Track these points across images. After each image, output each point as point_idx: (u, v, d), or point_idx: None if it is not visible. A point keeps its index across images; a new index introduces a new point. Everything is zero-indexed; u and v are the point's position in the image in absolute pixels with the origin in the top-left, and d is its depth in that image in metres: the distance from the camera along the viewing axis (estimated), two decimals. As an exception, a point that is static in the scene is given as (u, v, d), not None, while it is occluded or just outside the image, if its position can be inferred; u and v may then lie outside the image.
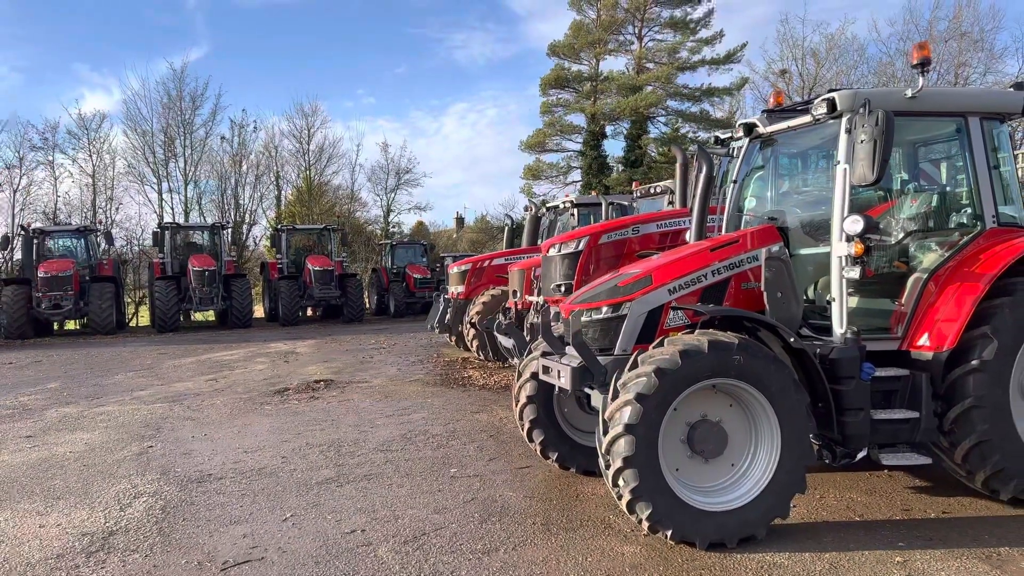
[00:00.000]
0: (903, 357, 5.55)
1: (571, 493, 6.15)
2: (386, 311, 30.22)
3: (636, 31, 39.12)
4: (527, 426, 6.51)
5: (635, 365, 4.94)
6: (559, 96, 40.12)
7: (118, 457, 7.85)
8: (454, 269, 15.92)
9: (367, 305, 30.85)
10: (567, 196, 17.42)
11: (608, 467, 4.87)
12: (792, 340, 5.14)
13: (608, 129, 38.96)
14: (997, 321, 5.28)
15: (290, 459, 7.54)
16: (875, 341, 5.52)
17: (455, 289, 15.50)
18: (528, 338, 9.58)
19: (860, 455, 5.30)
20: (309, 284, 26.73)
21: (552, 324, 6.38)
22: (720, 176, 7.09)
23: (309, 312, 29.84)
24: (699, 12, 38.24)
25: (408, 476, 6.78)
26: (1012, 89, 6.02)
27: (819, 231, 6.17)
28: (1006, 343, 5.26)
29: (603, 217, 13.00)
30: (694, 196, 6.82)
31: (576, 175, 39.93)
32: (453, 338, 16.24)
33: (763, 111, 6.63)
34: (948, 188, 6.31)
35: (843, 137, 5.41)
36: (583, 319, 5.67)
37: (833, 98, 5.50)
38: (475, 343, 14.03)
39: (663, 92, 37.48)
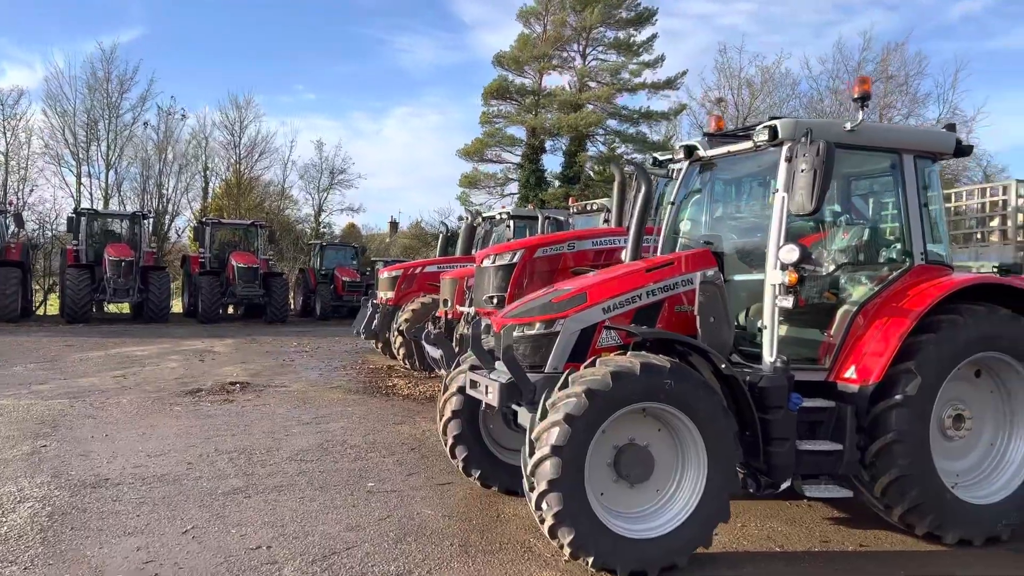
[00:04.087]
0: (829, 388, 5.56)
1: (492, 513, 5.95)
2: (311, 313, 29.54)
3: (580, 49, 39.53)
4: (450, 442, 6.28)
5: (566, 385, 4.79)
6: (501, 107, 40.15)
7: (6, 456, 7.26)
8: (384, 274, 15.58)
9: (292, 306, 30.07)
10: (503, 207, 17.29)
11: (532, 489, 4.70)
12: (723, 366, 5.08)
13: (547, 144, 39.16)
14: (921, 357, 5.33)
15: (196, 466, 7.11)
16: (803, 371, 5.52)
17: (384, 295, 15.15)
18: (457, 350, 9.36)
19: (784, 485, 5.26)
20: (232, 281, 25.85)
21: (482, 337, 6.17)
22: (656, 197, 7.05)
23: (230, 310, 28.87)
24: (643, 36, 38.94)
25: (322, 489, 6.46)
26: (944, 130, 6.15)
27: (753, 258, 6.17)
28: (929, 379, 5.32)
29: (539, 231, 12.90)
30: (631, 215, 6.75)
31: (513, 187, 40.00)
32: (379, 345, 15.87)
33: (704, 134, 6.61)
34: (879, 223, 6.40)
35: (783, 165, 5.40)
36: (515, 334, 5.49)
37: (775, 125, 5.50)
38: (402, 351, 13.71)
39: (603, 112, 37.91)
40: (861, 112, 5.50)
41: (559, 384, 4.85)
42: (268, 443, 8.11)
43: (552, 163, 39.91)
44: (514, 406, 5.43)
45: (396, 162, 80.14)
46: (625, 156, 37.52)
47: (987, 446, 5.86)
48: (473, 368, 6.02)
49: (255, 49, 68.66)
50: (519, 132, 39.53)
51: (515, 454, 6.32)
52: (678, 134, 38.27)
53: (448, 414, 6.29)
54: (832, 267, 6.05)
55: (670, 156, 7.53)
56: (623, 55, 38.83)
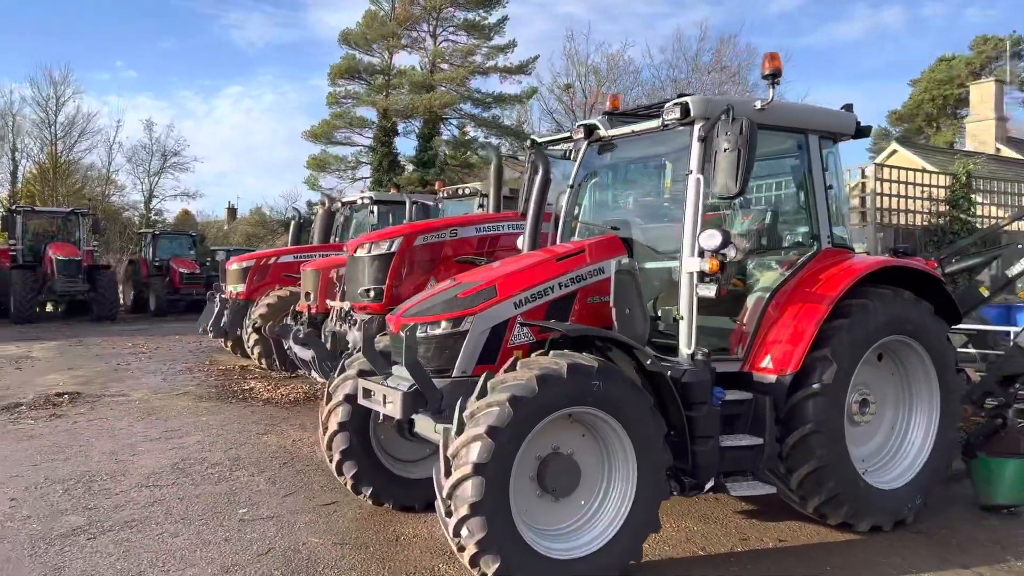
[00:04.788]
0: (743, 379, 5.33)
1: (389, 536, 5.28)
2: (145, 308, 27.03)
3: (431, 29, 38.52)
4: (337, 457, 5.53)
5: (485, 391, 4.22)
6: (349, 87, 38.51)
7: None
8: (233, 265, 14.15)
9: (122, 302, 27.35)
10: (363, 191, 16.31)
11: (449, 514, 4.10)
12: (649, 362, 4.69)
13: (400, 126, 38.00)
14: (835, 343, 5.20)
15: (22, 502, 5.93)
16: (716, 362, 5.24)
17: (234, 288, 13.76)
18: (329, 348, 8.56)
19: (709, 485, 4.96)
20: (50, 276, 23.02)
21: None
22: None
23: (49, 308, 25.81)
24: (493, 19, 38.48)
25: (184, 521, 5.52)
26: (844, 111, 6.07)
27: (659, 244, 5.86)
28: (844, 366, 5.21)
29: (406, 216, 12.12)
30: (528, 201, 6.26)
31: (366, 170, 38.54)
32: (229, 343, 14.52)
33: (604, 113, 6.22)
34: (782, 206, 6.26)
35: (696, 146, 5.09)
36: (417, 335, 4.83)
37: (686, 103, 5.16)
38: (257, 350, 12.51)
39: (456, 94, 37.26)
40: (772, 90, 5.26)
41: (477, 391, 4.28)
42: (111, 467, 6.95)
43: (406, 147, 38.91)
44: (411, 414, 4.80)
45: (230, 144, 76.05)
46: (482, 139, 37.29)
47: (888, 429, 5.88)
48: (363, 374, 5.33)
49: (66, 21, 62.27)
50: (370, 114, 38.12)
51: (410, 466, 5.75)
52: (529, 120, 38.41)
53: (334, 427, 5.53)
54: (740, 253, 5.82)
55: (551, 138, 7.13)
56: (474, 37, 38.28)
